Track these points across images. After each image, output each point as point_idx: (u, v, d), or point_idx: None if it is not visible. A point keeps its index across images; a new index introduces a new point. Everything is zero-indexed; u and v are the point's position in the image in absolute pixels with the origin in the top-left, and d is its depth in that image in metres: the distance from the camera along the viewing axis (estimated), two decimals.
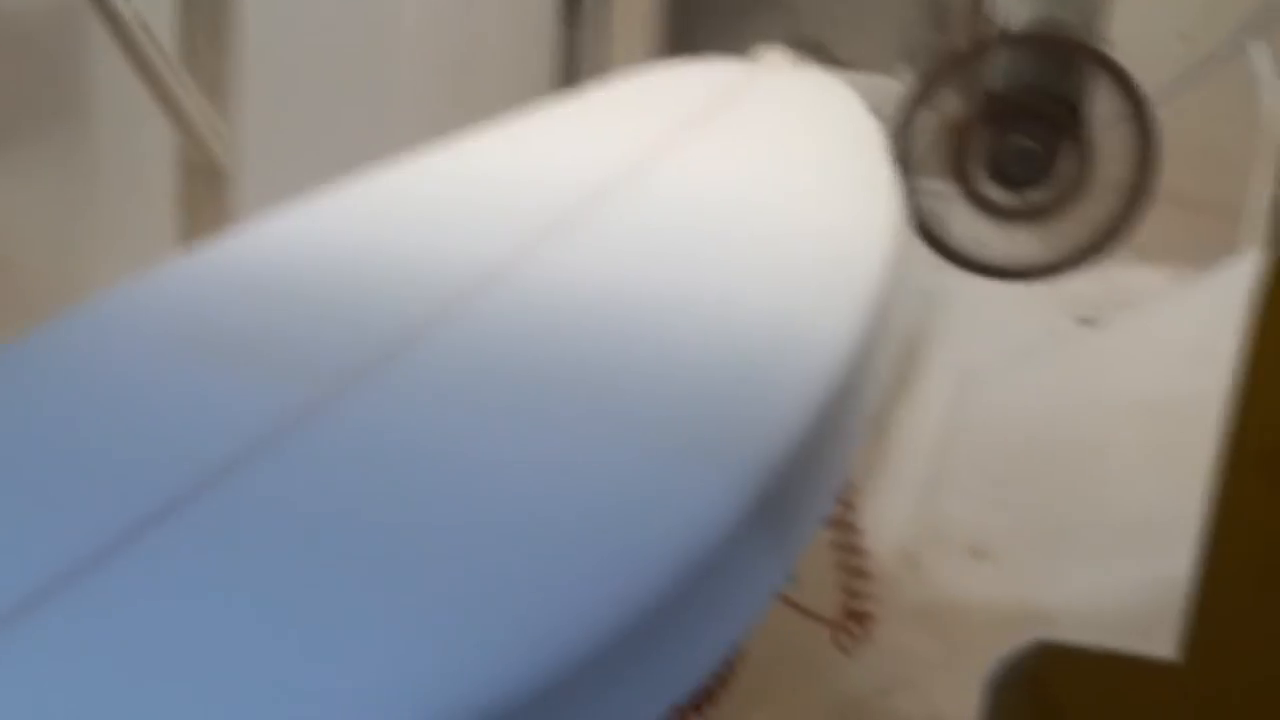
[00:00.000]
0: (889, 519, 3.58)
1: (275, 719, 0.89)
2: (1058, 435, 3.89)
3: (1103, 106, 2.16)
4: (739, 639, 1.30)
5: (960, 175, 2.23)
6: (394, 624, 0.95)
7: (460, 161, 2.09)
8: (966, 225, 2.29)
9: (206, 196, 3.75)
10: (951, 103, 2.23)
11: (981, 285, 4.80)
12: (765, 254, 1.73)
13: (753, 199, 2.02)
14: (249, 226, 1.72)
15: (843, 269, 1.72)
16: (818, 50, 3.55)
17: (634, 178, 1.99)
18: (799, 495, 1.19)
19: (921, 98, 2.27)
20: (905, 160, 2.26)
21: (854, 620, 2.90)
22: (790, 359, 1.34)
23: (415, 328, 1.33)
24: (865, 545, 2.86)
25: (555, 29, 5.72)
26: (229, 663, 0.93)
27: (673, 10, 5.84)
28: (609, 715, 0.87)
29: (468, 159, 2.12)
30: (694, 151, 2.26)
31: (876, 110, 2.88)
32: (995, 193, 2.24)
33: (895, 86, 3.57)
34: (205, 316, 1.44)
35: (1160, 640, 1.89)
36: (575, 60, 5.64)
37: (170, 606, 0.99)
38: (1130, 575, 3.08)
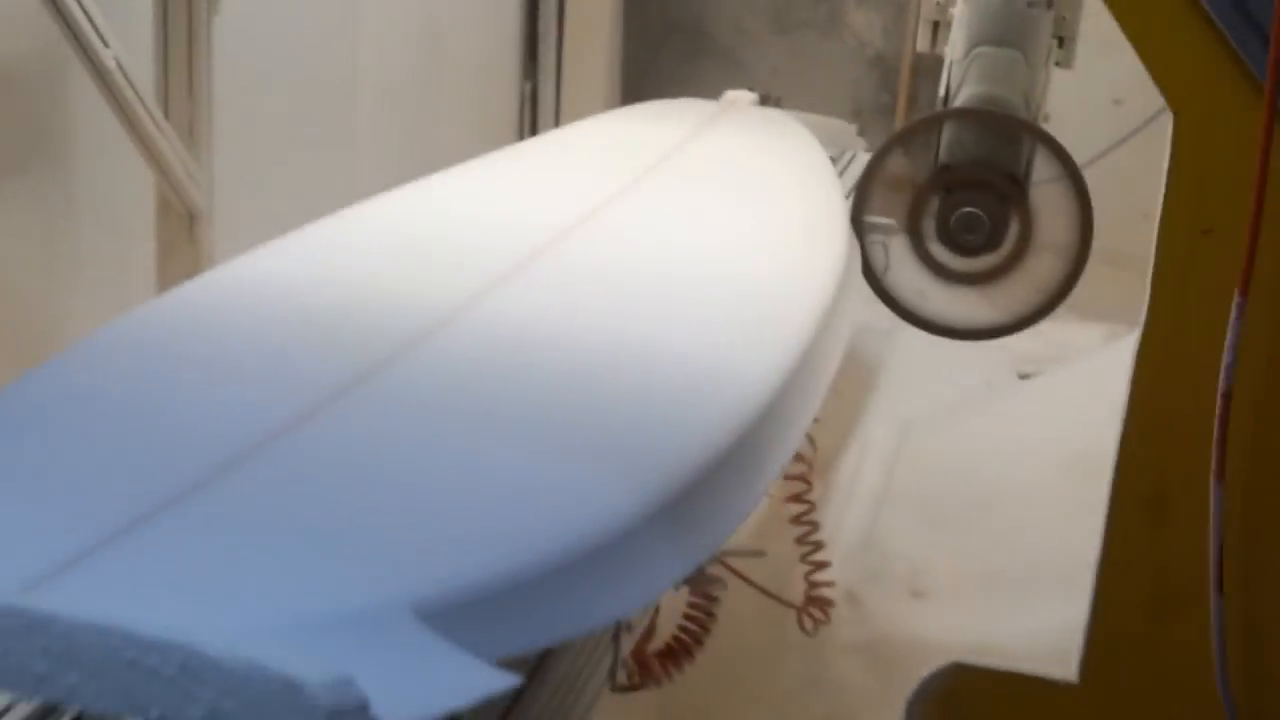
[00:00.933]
0: (832, 559, 3.71)
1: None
2: (993, 482, 4.03)
3: (1041, 177, 2.31)
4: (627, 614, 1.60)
5: (913, 239, 2.37)
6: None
7: (426, 202, 2.23)
8: (919, 286, 2.43)
9: (181, 237, 3.88)
10: (905, 171, 2.38)
11: (925, 341, 4.98)
12: (704, 296, 1.89)
13: (704, 240, 2.17)
14: (223, 266, 1.85)
15: (778, 309, 1.88)
16: (770, 103, 3.76)
17: (594, 217, 2.15)
18: (699, 507, 1.34)
19: (876, 166, 2.42)
20: (859, 223, 2.41)
21: (816, 606, 3.30)
22: (710, 393, 1.50)
23: (386, 352, 1.52)
24: (824, 541, 3.22)
25: (517, 80, 5.84)
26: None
27: (626, 65, 5.99)
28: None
29: (434, 199, 2.25)
30: (655, 190, 2.45)
31: (833, 149, 3.20)
32: (945, 256, 2.38)
33: (849, 129, 3.81)
34: (199, 338, 1.62)
35: None
36: (535, 111, 5.78)
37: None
38: (1058, 614, 3.21)
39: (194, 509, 1.22)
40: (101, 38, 3.49)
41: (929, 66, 5.59)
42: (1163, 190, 1.87)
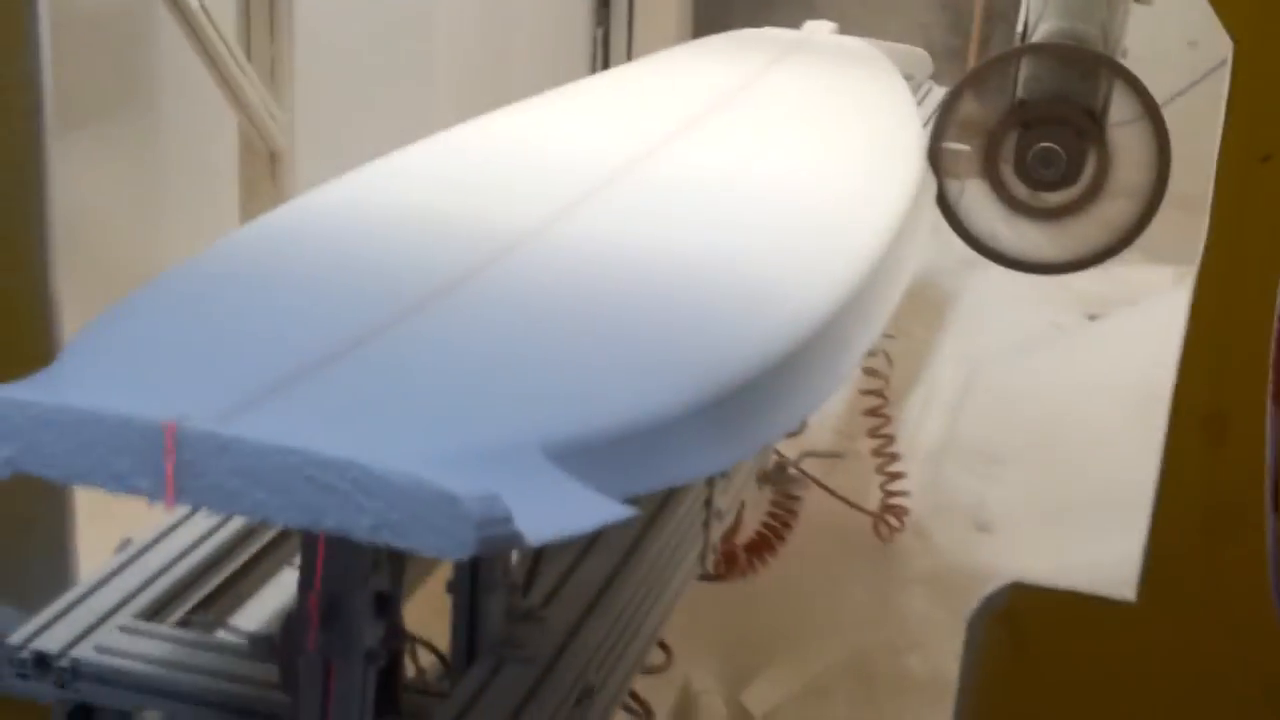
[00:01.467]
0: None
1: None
2: (1058, 419, 4.06)
3: (1120, 114, 2.31)
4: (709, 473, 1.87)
5: (990, 174, 2.39)
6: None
7: (529, 123, 2.42)
8: (994, 219, 2.46)
9: (264, 176, 3.96)
10: (983, 107, 2.41)
11: (994, 285, 5.00)
12: (777, 216, 2.03)
13: (777, 167, 2.29)
14: (321, 189, 2.03)
15: (841, 237, 2.00)
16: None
17: (672, 144, 2.27)
18: (745, 410, 1.50)
19: (954, 101, 2.44)
20: (936, 158, 2.44)
21: (891, 514, 3.52)
22: (767, 310, 1.66)
23: (496, 250, 1.74)
24: (899, 454, 3.46)
25: (589, 25, 5.87)
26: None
27: (697, 10, 6.00)
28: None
29: (520, 127, 2.42)
30: (735, 117, 2.55)
31: (908, 75, 3.27)
32: (1022, 192, 2.40)
33: (924, 56, 3.86)
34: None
35: None
36: (607, 53, 5.80)
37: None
38: (1120, 546, 3.24)
39: (364, 356, 1.42)
40: None
41: (1001, 9, 5.58)
42: (1221, 117, 1.90)
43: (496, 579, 1.73)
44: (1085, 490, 3.73)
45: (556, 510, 1.20)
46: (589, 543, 1.98)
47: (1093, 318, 4.95)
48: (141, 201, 4.15)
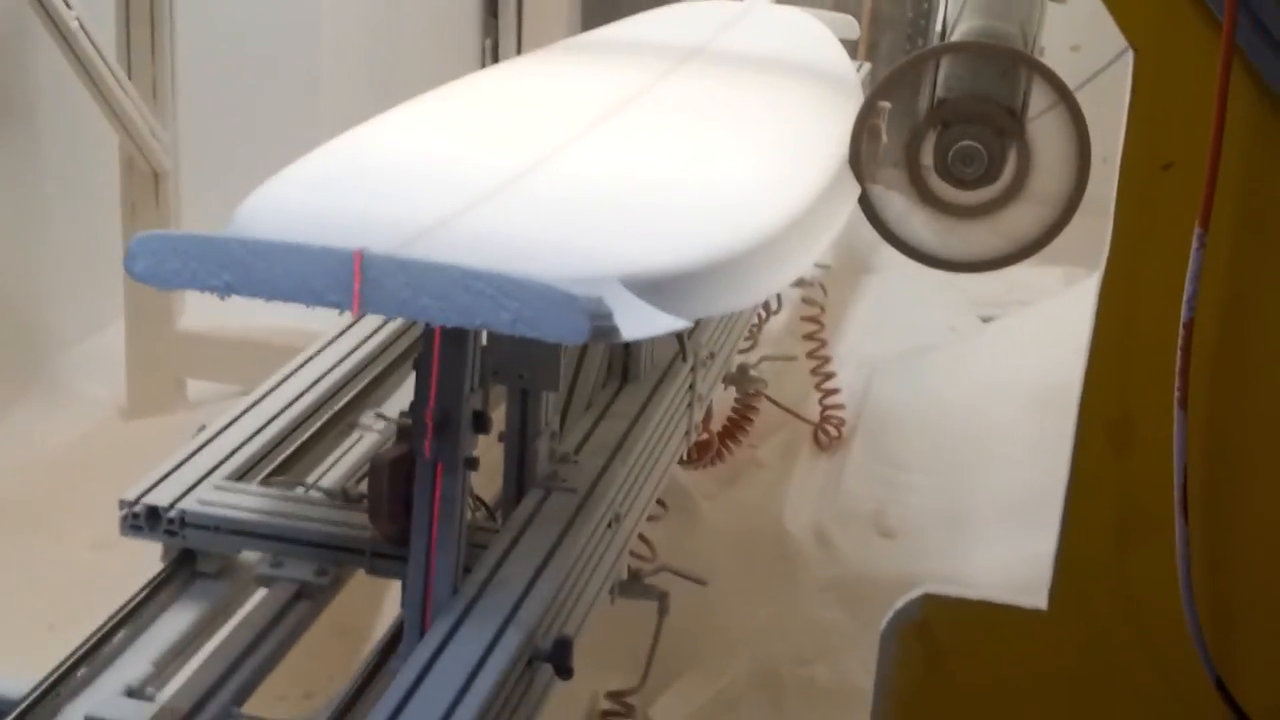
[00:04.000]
0: (802, 500, 3.76)
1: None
2: (957, 422, 4.08)
3: (1038, 108, 2.32)
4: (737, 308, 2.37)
5: (911, 173, 2.38)
6: None
7: (517, 77, 2.85)
8: (918, 219, 2.46)
9: (147, 195, 3.89)
10: (903, 105, 2.41)
11: (889, 289, 5.03)
12: (750, 149, 2.42)
13: (741, 108, 2.70)
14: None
15: (798, 166, 2.36)
16: None
17: (659, 85, 2.75)
18: (745, 270, 1.98)
19: (874, 101, 2.43)
20: (857, 160, 2.43)
21: (829, 424, 4.05)
22: (752, 207, 2.12)
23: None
24: (834, 372, 4.05)
25: (478, 36, 5.83)
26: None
27: (586, 21, 5.97)
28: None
29: (522, 74, 2.86)
30: (712, 57, 3.05)
31: (844, 40, 3.62)
32: (943, 190, 2.39)
33: (853, 21, 3.99)
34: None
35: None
36: (497, 50, 5.77)
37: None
38: (1023, 548, 3.26)
39: (490, 208, 1.89)
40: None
41: (889, 16, 5.61)
42: (1123, 126, 1.90)
43: (543, 427, 2.17)
44: (987, 493, 3.75)
45: (635, 316, 1.70)
46: (602, 411, 2.45)
47: (986, 319, 4.99)
48: (20, 222, 4.06)
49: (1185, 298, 1.83)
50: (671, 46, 3.08)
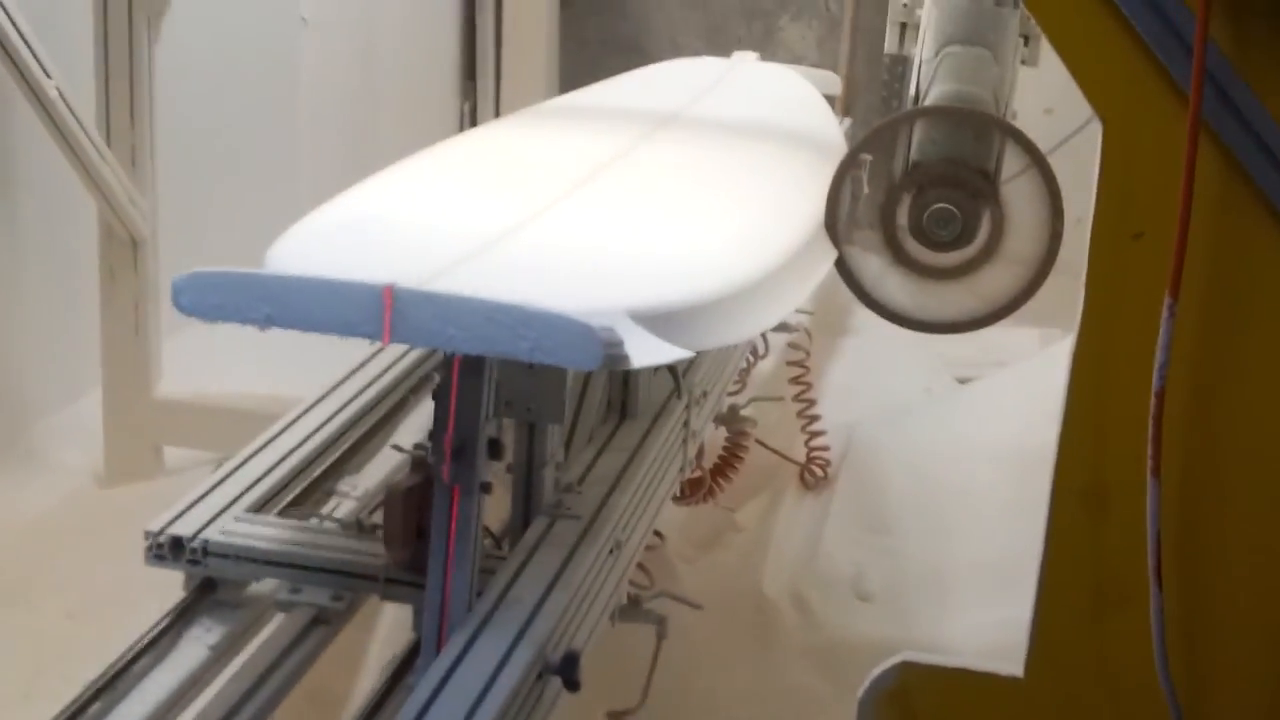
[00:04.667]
0: (781, 564, 3.76)
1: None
2: (934, 484, 4.09)
3: (1012, 170, 2.34)
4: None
5: (887, 237, 2.40)
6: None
7: (509, 134, 3.01)
8: (894, 282, 2.47)
9: (125, 262, 3.89)
10: (878, 168, 2.43)
11: (864, 352, 5.05)
12: (732, 201, 2.54)
13: (731, 163, 2.83)
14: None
15: (788, 213, 2.48)
16: None
17: (670, 123, 3.01)
18: (741, 308, 2.12)
19: (849, 164, 2.45)
20: (834, 225, 2.45)
21: (815, 464, 4.21)
22: (745, 250, 2.26)
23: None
24: (820, 415, 4.19)
25: (455, 100, 5.87)
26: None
27: (564, 83, 6.01)
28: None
29: (517, 132, 3.01)
30: (703, 111, 3.23)
31: (827, 95, 3.75)
32: (919, 251, 2.41)
33: (835, 77, 4.13)
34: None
35: None
36: (475, 114, 5.81)
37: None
38: (1000, 611, 3.26)
39: (508, 246, 2.06)
40: (43, 68, 3.51)
41: (862, 81, 5.67)
42: (1094, 196, 1.93)
43: (548, 458, 2.30)
44: (965, 556, 3.75)
45: (642, 346, 1.84)
46: (603, 444, 2.59)
47: (963, 381, 5.01)
48: None
49: (1156, 367, 1.85)
50: (661, 103, 3.22)
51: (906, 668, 2.17)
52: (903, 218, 2.38)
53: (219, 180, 4.74)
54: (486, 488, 2.03)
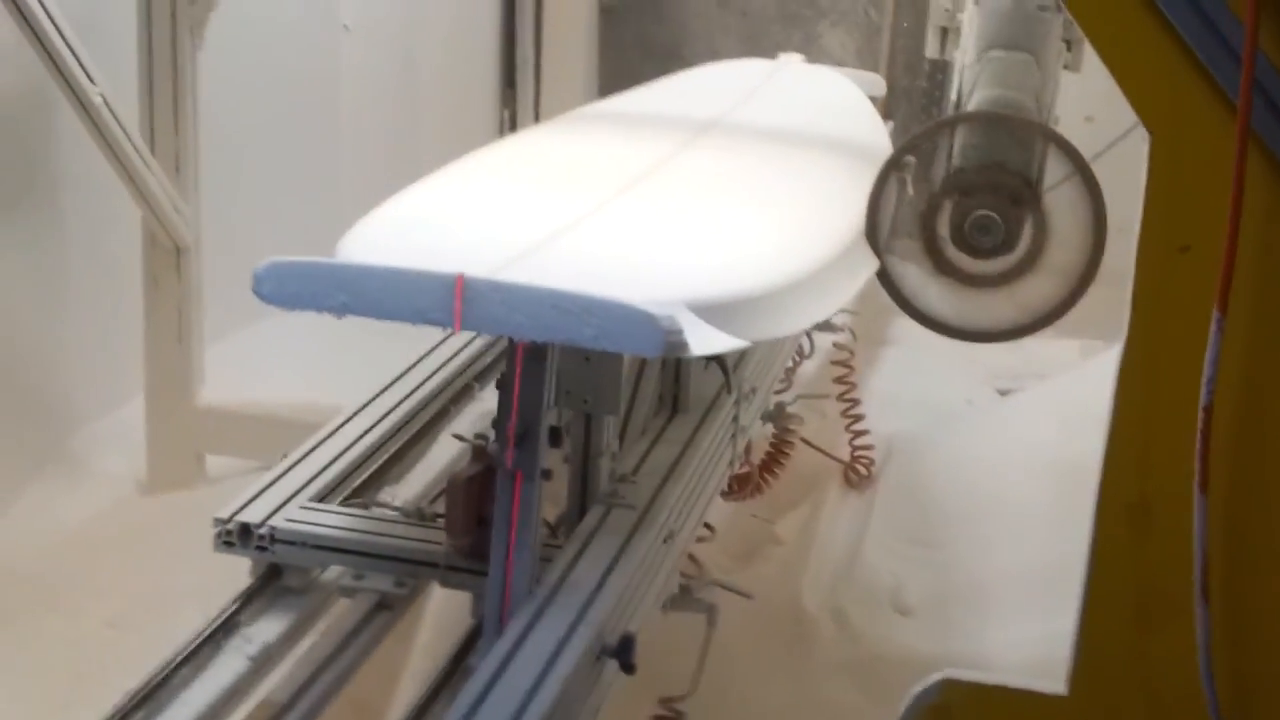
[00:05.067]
0: (820, 577, 3.74)
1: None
2: (974, 497, 4.07)
3: (1054, 178, 2.31)
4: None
5: (928, 244, 2.37)
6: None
7: (561, 137, 3.07)
8: (936, 290, 2.45)
9: (169, 270, 3.91)
10: (918, 175, 2.41)
11: (905, 363, 5.03)
12: (783, 200, 2.61)
13: (782, 163, 2.89)
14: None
15: (839, 210, 2.54)
16: None
17: (719, 124, 3.11)
18: (792, 300, 2.18)
19: (890, 171, 2.43)
20: (874, 233, 2.43)
21: (859, 463, 4.27)
22: (797, 243, 2.34)
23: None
24: (864, 414, 4.27)
25: (496, 107, 5.87)
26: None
27: (603, 89, 6.02)
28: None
29: (568, 134, 3.08)
30: (744, 119, 3.26)
31: (871, 97, 3.79)
32: (960, 259, 2.38)
33: (879, 79, 4.13)
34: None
35: None
36: (515, 121, 5.81)
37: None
38: (1041, 625, 3.23)
39: (566, 240, 2.13)
40: (88, 74, 3.53)
41: (903, 87, 5.64)
42: (1141, 208, 1.90)
43: (604, 448, 2.35)
44: (1005, 569, 3.72)
45: (700, 335, 1.88)
46: (655, 437, 2.65)
47: (1004, 393, 4.98)
48: (42, 297, 4.08)
49: (1204, 381, 1.82)
50: (710, 105, 3.30)
51: (948, 685, 2.16)
52: (944, 225, 2.35)
53: (262, 187, 4.75)
54: (547, 474, 2.09)
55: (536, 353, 2.03)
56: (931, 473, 4.24)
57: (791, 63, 3.98)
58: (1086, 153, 2.28)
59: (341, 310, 1.87)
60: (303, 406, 3.83)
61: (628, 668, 2.07)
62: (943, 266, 2.38)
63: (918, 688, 2.19)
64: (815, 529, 4.00)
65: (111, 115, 3.59)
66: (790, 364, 3.70)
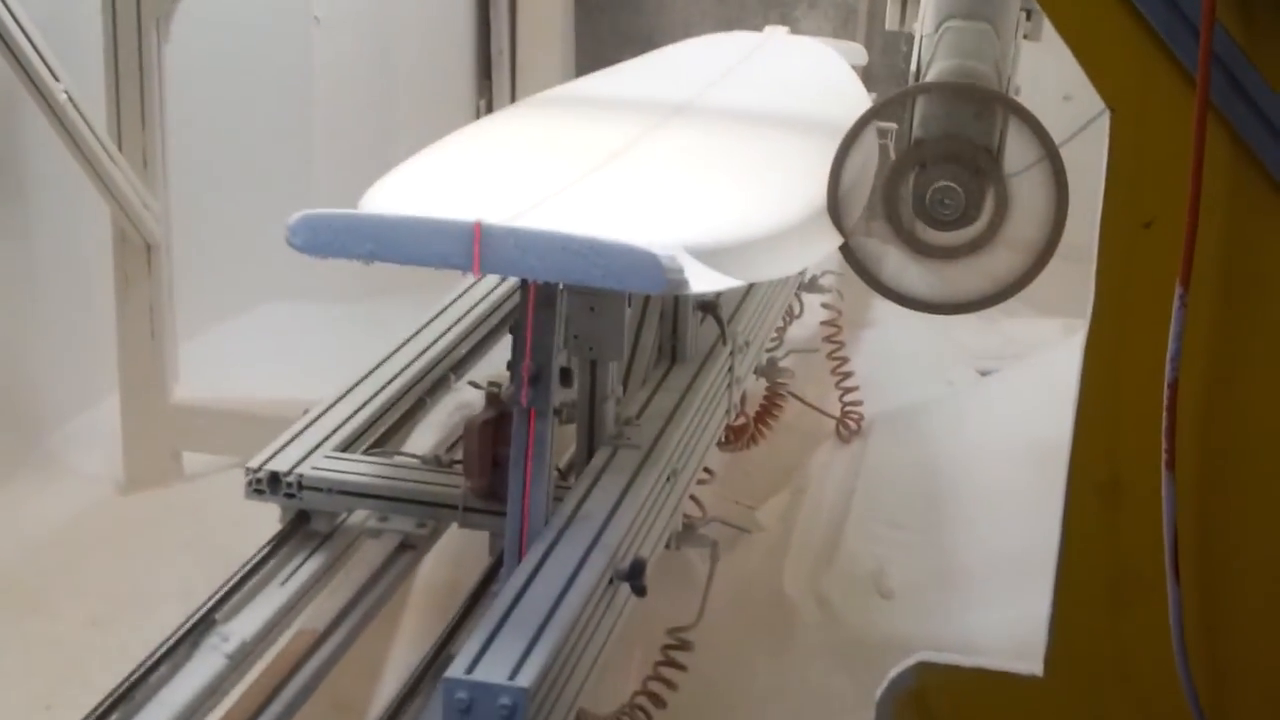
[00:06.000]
0: (802, 562, 3.73)
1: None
2: (955, 479, 4.05)
3: (1016, 149, 2.30)
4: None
5: (890, 215, 2.36)
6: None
7: (600, 83, 3.40)
8: (898, 261, 2.44)
9: (140, 267, 3.88)
10: (879, 145, 2.40)
11: (886, 344, 5.02)
12: (773, 155, 2.76)
13: (771, 126, 3.04)
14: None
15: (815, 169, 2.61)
16: None
17: (710, 91, 3.30)
18: (780, 247, 2.32)
19: (850, 142, 2.41)
20: (835, 205, 2.41)
21: (849, 418, 4.40)
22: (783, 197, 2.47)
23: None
24: (853, 371, 4.41)
25: (472, 97, 5.85)
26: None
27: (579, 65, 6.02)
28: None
29: (601, 84, 3.39)
30: (732, 86, 3.46)
31: (854, 65, 4.03)
32: (922, 231, 2.36)
33: (860, 48, 4.37)
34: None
35: None
36: (491, 109, 5.78)
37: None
38: (1021, 606, 3.22)
39: (579, 190, 2.29)
40: (52, 72, 3.50)
41: (878, 67, 5.63)
42: (1102, 184, 1.89)
43: (609, 392, 2.52)
44: (987, 551, 3.71)
45: (698, 274, 2.02)
46: (656, 385, 2.81)
47: (984, 373, 4.96)
48: (12, 297, 4.05)
49: (1169, 357, 1.81)
50: (703, 73, 3.51)
51: (924, 668, 2.15)
52: (906, 196, 2.34)
53: (234, 182, 4.73)
54: (559, 412, 2.26)
55: (547, 296, 2.20)
56: (912, 455, 4.23)
57: (777, 35, 4.19)
58: (1062, 134, 2.27)
59: (369, 257, 2.01)
60: (277, 402, 3.81)
61: (639, 590, 2.21)
62: (905, 238, 2.37)
63: (893, 672, 2.18)
64: (796, 514, 3.99)
65: (77, 113, 3.57)
66: (781, 324, 3.88)
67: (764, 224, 2.28)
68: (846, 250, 2.43)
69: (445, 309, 3.36)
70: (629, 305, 2.46)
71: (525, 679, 1.85)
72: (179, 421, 4.04)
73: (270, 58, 4.91)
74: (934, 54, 2.50)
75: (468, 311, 3.35)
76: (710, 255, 2.09)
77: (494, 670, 1.86)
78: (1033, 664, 2.09)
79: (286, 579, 2.43)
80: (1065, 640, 2.04)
